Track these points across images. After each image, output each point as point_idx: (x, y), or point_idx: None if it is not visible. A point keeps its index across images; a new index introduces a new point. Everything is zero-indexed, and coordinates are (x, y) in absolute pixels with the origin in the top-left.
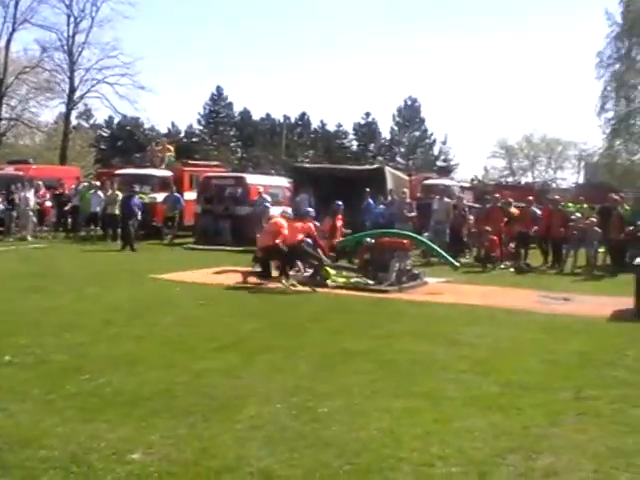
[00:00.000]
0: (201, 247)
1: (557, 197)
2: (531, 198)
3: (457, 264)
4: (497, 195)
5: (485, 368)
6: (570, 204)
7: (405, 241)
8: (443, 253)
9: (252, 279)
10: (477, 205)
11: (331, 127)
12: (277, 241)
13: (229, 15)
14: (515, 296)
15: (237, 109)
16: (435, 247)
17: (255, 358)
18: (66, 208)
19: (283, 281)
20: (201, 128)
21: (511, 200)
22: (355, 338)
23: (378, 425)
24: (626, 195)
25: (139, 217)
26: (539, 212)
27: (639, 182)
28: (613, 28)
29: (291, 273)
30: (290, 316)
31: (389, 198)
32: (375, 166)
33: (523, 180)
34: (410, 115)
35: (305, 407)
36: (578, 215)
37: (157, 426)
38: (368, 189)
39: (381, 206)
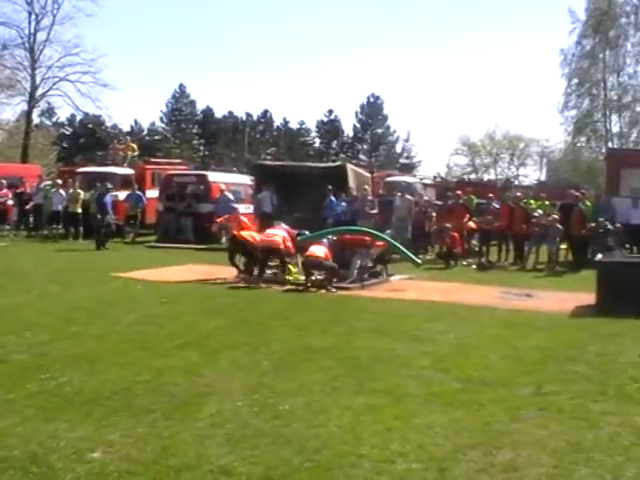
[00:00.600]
0: (163, 245)
1: (519, 194)
2: (491, 195)
3: (419, 261)
4: (459, 192)
5: (446, 364)
6: (532, 201)
7: (367, 238)
8: (405, 250)
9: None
10: (439, 202)
11: (294, 124)
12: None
13: (191, 13)
14: (477, 292)
15: (200, 107)
16: (397, 244)
17: (217, 356)
18: (28, 207)
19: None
20: (164, 126)
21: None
22: (317, 335)
23: (339, 422)
24: (588, 192)
25: (112, 215)
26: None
27: (601, 179)
28: (576, 25)
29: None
30: (252, 314)
31: (351, 195)
32: (337, 163)
33: (485, 177)
34: (373, 112)
35: (266, 404)
36: (539, 212)
37: (117, 425)
38: (330, 186)
39: (343, 203)
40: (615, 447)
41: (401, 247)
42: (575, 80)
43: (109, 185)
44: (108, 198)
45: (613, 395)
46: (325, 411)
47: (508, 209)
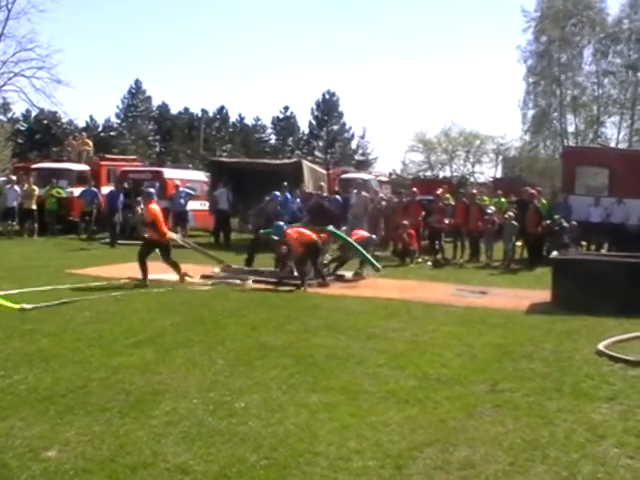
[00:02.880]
0: (119, 242)
1: (474, 191)
2: (439, 192)
3: (379, 267)
4: (414, 189)
5: (402, 362)
6: (485, 197)
7: (322, 235)
8: (365, 254)
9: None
10: (395, 199)
11: (249, 121)
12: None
13: (146, 8)
14: (432, 290)
15: (155, 103)
16: (360, 248)
17: (172, 353)
18: None
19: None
20: (119, 122)
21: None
22: (272, 333)
23: (295, 420)
24: (544, 190)
25: (120, 214)
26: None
27: (557, 177)
28: (530, 24)
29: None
30: (207, 311)
31: (305, 192)
32: (293, 160)
33: (441, 174)
34: (328, 109)
35: (222, 402)
36: (493, 209)
37: (73, 423)
38: (286, 183)
39: (298, 200)
40: (571, 444)
41: (363, 251)
42: (531, 79)
43: (126, 185)
44: (120, 196)
45: (569, 392)
46: (281, 409)
47: (463, 206)
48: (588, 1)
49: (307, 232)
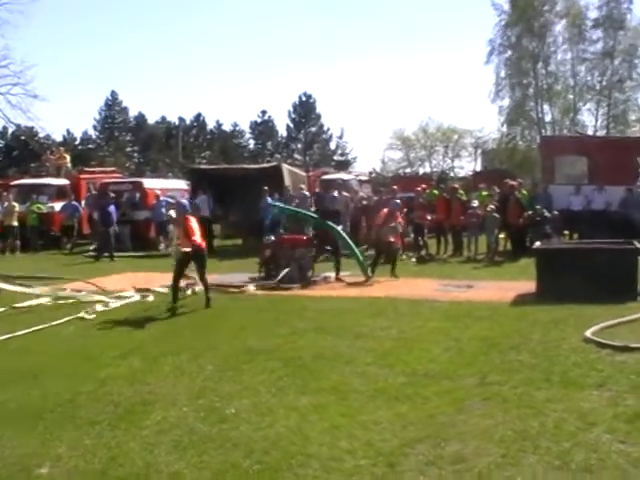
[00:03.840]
0: (116, 254)
1: (455, 185)
2: (419, 188)
3: (370, 274)
4: (394, 187)
5: (390, 359)
6: (461, 191)
7: (305, 237)
8: (361, 260)
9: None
10: (375, 197)
11: (227, 127)
12: None
13: (119, 19)
14: (417, 286)
15: (132, 113)
16: (357, 252)
17: (160, 362)
18: None
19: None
20: (97, 134)
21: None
22: (259, 336)
23: (285, 422)
24: (524, 181)
25: (115, 226)
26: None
27: (537, 168)
28: (502, 17)
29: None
30: (193, 317)
31: (287, 195)
32: (272, 164)
33: (421, 170)
34: (306, 111)
35: (212, 408)
36: (476, 202)
37: (63, 438)
38: (266, 187)
39: (278, 203)
40: (561, 433)
41: (359, 256)
42: (505, 71)
43: (112, 194)
44: (112, 208)
45: (557, 381)
46: (271, 412)
47: (444, 201)
48: None
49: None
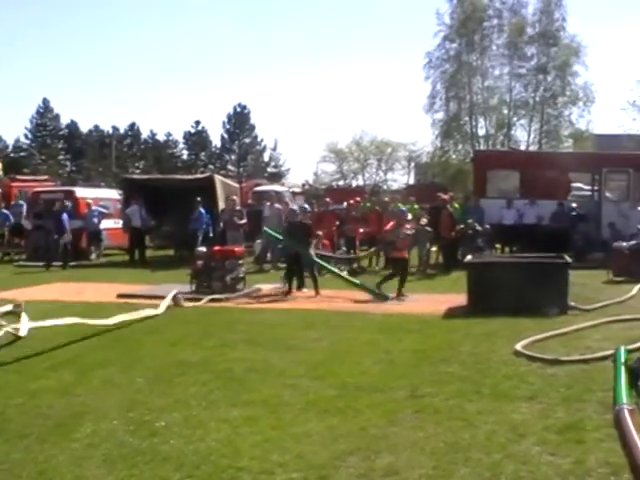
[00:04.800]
0: (32, 264)
1: (386, 199)
2: (352, 202)
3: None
4: (328, 199)
5: (321, 372)
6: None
7: (237, 249)
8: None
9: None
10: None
11: (161, 137)
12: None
13: (51, 26)
14: (349, 298)
15: (64, 121)
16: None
17: (90, 374)
18: None
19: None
20: (29, 142)
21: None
22: (190, 349)
23: (216, 436)
24: (457, 194)
25: (69, 234)
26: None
27: (469, 181)
28: (442, 29)
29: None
30: (124, 329)
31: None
32: (205, 175)
33: (354, 183)
34: (240, 122)
35: (142, 422)
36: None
37: None
38: (199, 198)
39: (208, 215)
40: (492, 445)
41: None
42: (441, 84)
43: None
44: (65, 216)
45: (488, 394)
46: (202, 425)
47: (377, 214)
48: (495, 6)
49: None
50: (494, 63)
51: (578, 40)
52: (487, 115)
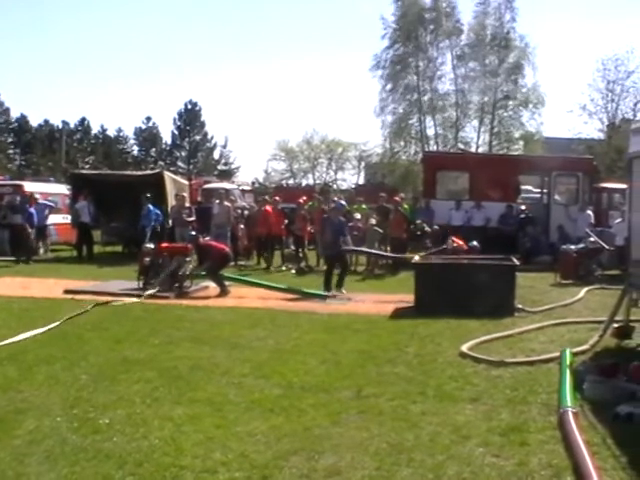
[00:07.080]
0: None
1: (335, 198)
2: (301, 200)
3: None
4: (277, 198)
5: (266, 371)
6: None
7: (185, 246)
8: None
9: None
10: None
11: (112, 132)
12: None
13: (6, 16)
14: (295, 297)
15: (14, 115)
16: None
17: (34, 370)
18: None
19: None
20: None
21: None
22: (135, 346)
23: (159, 434)
24: (406, 195)
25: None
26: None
27: (419, 182)
28: (388, 32)
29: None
30: (69, 326)
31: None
32: (155, 171)
33: (304, 182)
34: (190, 119)
35: (86, 419)
36: (358, 216)
37: None
38: (148, 194)
39: (157, 211)
40: (436, 446)
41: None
42: (389, 85)
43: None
44: (33, 210)
45: (432, 395)
46: (146, 423)
47: (324, 213)
48: (442, 9)
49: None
50: (443, 65)
51: (527, 41)
52: (436, 116)
